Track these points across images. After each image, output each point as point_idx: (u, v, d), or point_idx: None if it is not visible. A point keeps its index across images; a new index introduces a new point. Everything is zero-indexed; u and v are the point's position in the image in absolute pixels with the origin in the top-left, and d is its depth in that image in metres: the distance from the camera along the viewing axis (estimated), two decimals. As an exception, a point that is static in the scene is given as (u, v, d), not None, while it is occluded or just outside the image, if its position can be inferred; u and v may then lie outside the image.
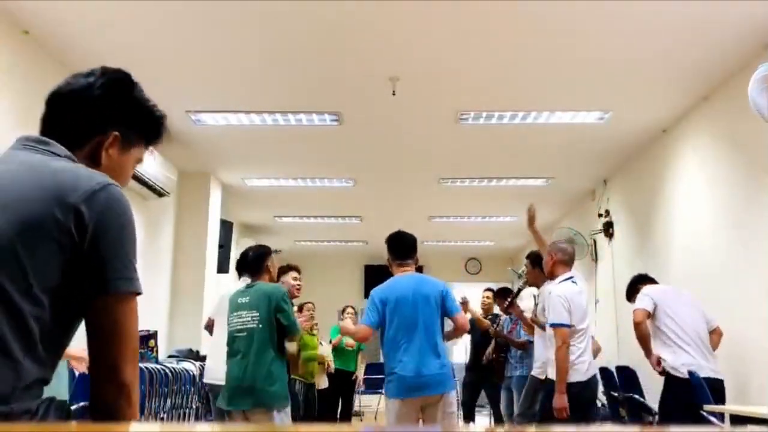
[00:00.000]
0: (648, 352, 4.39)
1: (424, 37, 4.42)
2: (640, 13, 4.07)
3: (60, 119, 1.31)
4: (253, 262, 3.96)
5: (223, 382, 4.33)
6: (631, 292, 4.82)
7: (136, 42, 4.49)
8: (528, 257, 5.42)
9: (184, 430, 1.89)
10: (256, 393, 3.59)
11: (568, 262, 4.31)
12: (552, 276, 4.36)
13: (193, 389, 5.48)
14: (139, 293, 1.19)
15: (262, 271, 3.94)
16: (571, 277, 4.26)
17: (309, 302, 7.12)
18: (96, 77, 1.34)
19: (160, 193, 6.38)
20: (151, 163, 6.00)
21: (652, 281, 4.86)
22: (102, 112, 1.33)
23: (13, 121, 4.26)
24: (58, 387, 3.25)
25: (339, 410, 7.91)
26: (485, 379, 6.84)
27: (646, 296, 4.45)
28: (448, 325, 3.91)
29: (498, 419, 6.82)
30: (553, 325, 4.05)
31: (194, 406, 5.53)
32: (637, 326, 4.36)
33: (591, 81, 5.07)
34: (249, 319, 3.71)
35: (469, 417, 7.04)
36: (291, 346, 5.27)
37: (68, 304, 1.16)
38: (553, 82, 5.09)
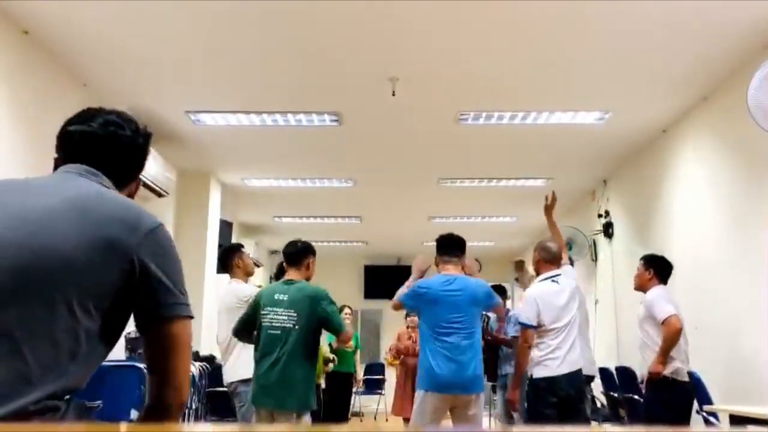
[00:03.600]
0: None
1: (424, 37, 4.42)
2: (640, 13, 4.07)
3: (107, 161, 1.43)
4: (295, 257, 3.87)
5: (235, 378, 4.35)
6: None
7: (136, 42, 4.49)
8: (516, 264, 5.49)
9: (184, 430, 1.89)
10: (281, 394, 3.53)
11: (551, 261, 4.31)
12: (538, 274, 4.37)
13: (193, 389, 5.48)
14: (193, 317, 1.36)
15: (300, 265, 3.85)
16: (552, 276, 4.24)
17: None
18: (134, 130, 1.48)
19: (159, 194, 6.37)
20: (151, 164, 5.96)
21: (664, 270, 4.55)
22: (141, 162, 1.52)
23: (12, 121, 4.26)
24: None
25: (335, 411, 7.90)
26: None
27: (669, 300, 4.29)
28: None
29: None
30: (518, 324, 4.23)
31: (194, 406, 5.53)
32: (678, 334, 4.19)
33: (591, 81, 5.07)
34: (285, 318, 3.60)
35: None
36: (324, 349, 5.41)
37: (112, 325, 1.28)
38: (553, 83, 5.09)
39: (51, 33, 4.36)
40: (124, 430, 1.12)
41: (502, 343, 6.20)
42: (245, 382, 4.25)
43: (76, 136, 1.43)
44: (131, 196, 1.52)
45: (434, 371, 3.72)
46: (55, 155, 1.46)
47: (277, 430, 2.20)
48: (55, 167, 1.46)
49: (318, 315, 3.61)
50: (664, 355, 4.19)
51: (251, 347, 4.22)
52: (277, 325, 3.62)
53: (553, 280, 4.22)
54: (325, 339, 7.38)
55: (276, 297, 3.68)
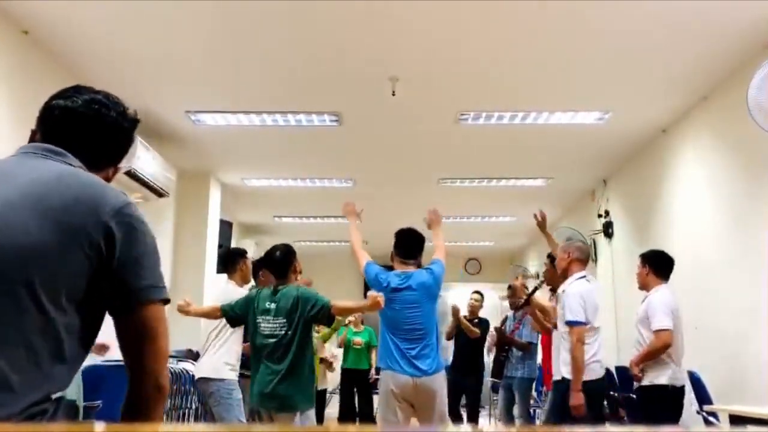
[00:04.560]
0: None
1: (424, 37, 4.42)
2: (640, 13, 4.07)
3: (85, 140, 1.35)
4: (281, 262, 3.82)
5: (206, 375, 4.38)
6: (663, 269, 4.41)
7: (136, 42, 4.49)
8: (549, 256, 5.40)
9: (184, 430, 1.89)
10: (282, 398, 3.59)
11: (584, 261, 4.32)
12: (566, 274, 4.33)
13: (192, 389, 5.48)
14: (169, 300, 1.30)
15: (290, 272, 3.83)
16: (584, 276, 4.25)
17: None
18: (121, 113, 1.40)
19: (159, 193, 6.37)
20: (151, 163, 5.99)
21: (661, 265, 4.40)
22: (123, 145, 1.42)
23: (12, 121, 4.26)
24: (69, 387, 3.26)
25: (357, 410, 7.89)
26: (467, 379, 6.86)
27: (669, 311, 4.14)
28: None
29: (472, 418, 6.86)
30: (568, 323, 4.02)
31: (194, 407, 5.52)
32: (664, 349, 4.07)
33: (590, 81, 5.07)
34: (276, 326, 3.65)
35: (455, 417, 7.05)
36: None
37: (90, 314, 1.21)
38: (553, 82, 5.09)
39: (51, 33, 4.36)
40: (123, 430, 1.10)
41: (514, 345, 6.19)
42: (217, 381, 4.34)
43: (57, 111, 1.34)
44: (107, 181, 1.42)
45: (394, 371, 3.76)
46: (33, 128, 1.38)
47: (278, 430, 2.20)
48: (31, 139, 1.37)
49: (307, 317, 3.65)
50: (643, 360, 4.15)
51: (228, 347, 4.40)
52: (269, 333, 3.68)
53: (587, 279, 4.23)
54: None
55: (267, 306, 3.74)
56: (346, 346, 7.84)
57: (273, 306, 3.71)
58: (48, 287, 1.13)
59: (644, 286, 4.40)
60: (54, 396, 1.16)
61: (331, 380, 8.57)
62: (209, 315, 4.18)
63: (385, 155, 7.04)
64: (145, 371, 1.25)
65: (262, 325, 3.70)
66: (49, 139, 1.33)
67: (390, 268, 4.04)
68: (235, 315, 3.88)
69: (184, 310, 4.03)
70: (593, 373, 4.01)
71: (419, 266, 4.04)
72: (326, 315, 3.67)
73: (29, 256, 1.13)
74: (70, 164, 1.29)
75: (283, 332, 3.63)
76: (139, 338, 1.25)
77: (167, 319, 1.30)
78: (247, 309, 3.82)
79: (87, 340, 1.23)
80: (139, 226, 1.26)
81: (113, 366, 4.37)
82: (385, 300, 3.83)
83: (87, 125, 1.35)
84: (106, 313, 1.27)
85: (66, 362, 1.17)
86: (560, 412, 4.03)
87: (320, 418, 7.29)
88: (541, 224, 5.17)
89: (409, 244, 4.04)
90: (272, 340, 3.65)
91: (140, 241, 1.25)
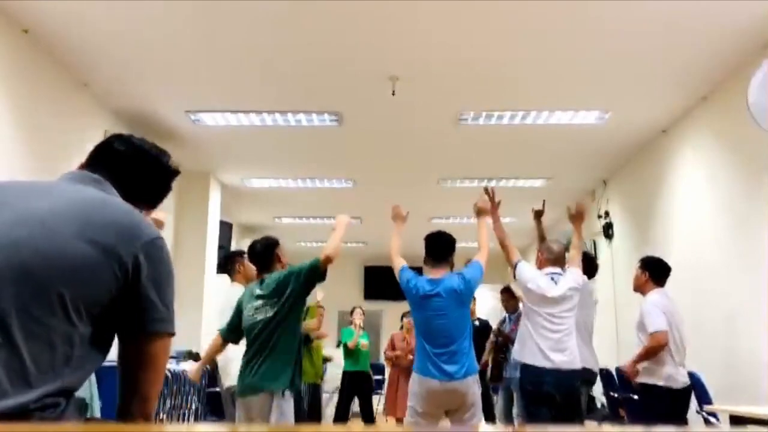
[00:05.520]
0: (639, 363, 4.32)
1: (424, 37, 4.42)
2: (640, 14, 4.07)
3: (124, 174, 1.48)
4: (262, 254, 3.82)
5: (233, 383, 4.37)
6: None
7: (136, 42, 4.49)
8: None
9: (184, 430, 1.89)
10: (266, 377, 3.53)
11: (552, 261, 4.34)
12: None
13: (192, 390, 5.47)
14: (174, 334, 1.36)
15: (273, 261, 3.81)
16: (553, 273, 4.24)
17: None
18: (161, 157, 1.56)
19: (159, 194, 6.38)
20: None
21: (659, 272, 4.53)
22: (161, 189, 1.58)
23: (12, 120, 4.26)
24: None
25: (357, 411, 7.87)
26: None
27: (661, 312, 4.24)
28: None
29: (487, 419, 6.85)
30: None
31: (193, 407, 5.52)
32: (660, 349, 4.18)
33: (590, 81, 5.07)
34: (262, 306, 3.63)
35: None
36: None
37: (103, 328, 1.28)
38: (553, 82, 5.09)
39: (51, 32, 4.36)
40: (122, 430, 1.11)
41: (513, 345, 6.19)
42: None
43: (103, 147, 1.51)
44: None
45: (423, 374, 3.78)
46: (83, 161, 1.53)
47: (277, 429, 2.20)
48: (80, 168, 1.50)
49: (299, 286, 3.59)
50: (639, 360, 4.26)
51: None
52: (253, 313, 3.65)
53: (552, 278, 4.23)
54: (332, 336, 7.39)
55: (257, 292, 3.72)
56: (357, 349, 7.76)
57: (260, 291, 3.69)
58: (76, 296, 1.22)
59: (639, 290, 4.52)
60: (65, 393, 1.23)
61: (331, 379, 8.56)
62: (218, 350, 4.07)
63: (385, 155, 7.04)
64: (140, 395, 1.33)
65: (252, 312, 3.67)
66: (93, 170, 1.47)
67: (422, 270, 4.05)
68: (235, 330, 3.82)
69: (192, 376, 4.21)
70: (534, 359, 4.16)
71: (452, 267, 4.00)
72: (318, 270, 3.59)
73: (67, 265, 1.22)
74: (110, 193, 1.43)
75: (272, 313, 3.59)
76: (140, 365, 1.33)
77: (169, 351, 1.38)
78: (239, 314, 3.79)
79: (99, 349, 1.30)
80: (165, 261, 1.36)
81: (113, 366, 4.37)
82: (416, 306, 3.90)
83: (127, 160, 1.50)
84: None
85: (73, 368, 1.23)
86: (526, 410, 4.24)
87: (317, 416, 7.27)
88: (492, 209, 4.43)
89: (437, 248, 4.02)
90: (258, 322, 3.61)
91: (163, 274, 1.35)
